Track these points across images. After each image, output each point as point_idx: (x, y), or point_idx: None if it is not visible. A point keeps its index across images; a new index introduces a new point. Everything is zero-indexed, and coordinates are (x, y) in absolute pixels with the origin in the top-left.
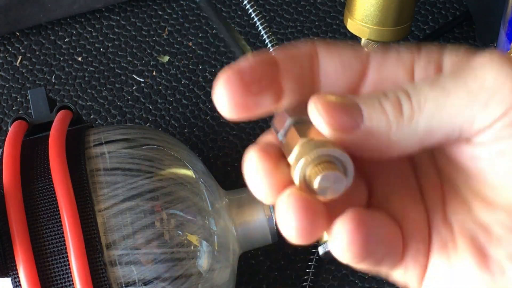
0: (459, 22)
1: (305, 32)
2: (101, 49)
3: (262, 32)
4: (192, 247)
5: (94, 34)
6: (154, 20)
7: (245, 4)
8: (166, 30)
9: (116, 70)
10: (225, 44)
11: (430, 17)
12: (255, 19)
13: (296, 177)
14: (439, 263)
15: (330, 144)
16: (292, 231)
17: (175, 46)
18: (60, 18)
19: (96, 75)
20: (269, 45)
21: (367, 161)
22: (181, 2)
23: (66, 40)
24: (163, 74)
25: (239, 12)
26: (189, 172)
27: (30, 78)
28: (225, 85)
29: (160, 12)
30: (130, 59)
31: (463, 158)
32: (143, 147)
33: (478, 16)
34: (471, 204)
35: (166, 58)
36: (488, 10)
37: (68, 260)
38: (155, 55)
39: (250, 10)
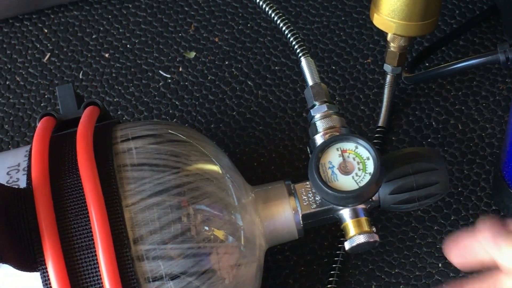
0: (486, 17)
1: (331, 28)
2: (128, 46)
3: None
4: (218, 242)
5: (121, 30)
6: (180, 16)
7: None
8: (192, 26)
9: (143, 66)
10: (251, 40)
11: (457, 11)
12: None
13: None
14: None
15: None
16: None
17: (201, 42)
18: None
19: (123, 71)
20: (294, 42)
21: None
22: None
23: (94, 36)
24: (189, 70)
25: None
26: (215, 168)
27: (58, 75)
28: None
29: (186, 8)
30: (157, 55)
31: None
32: (170, 142)
33: (505, 11)
34: None
35: (192, 54)
36: None
37: (96, 255)
38: (182, 51)
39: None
